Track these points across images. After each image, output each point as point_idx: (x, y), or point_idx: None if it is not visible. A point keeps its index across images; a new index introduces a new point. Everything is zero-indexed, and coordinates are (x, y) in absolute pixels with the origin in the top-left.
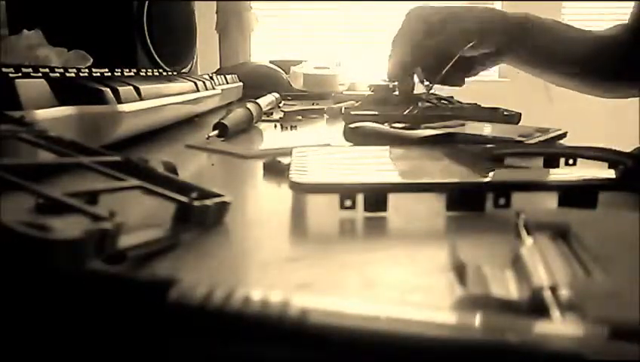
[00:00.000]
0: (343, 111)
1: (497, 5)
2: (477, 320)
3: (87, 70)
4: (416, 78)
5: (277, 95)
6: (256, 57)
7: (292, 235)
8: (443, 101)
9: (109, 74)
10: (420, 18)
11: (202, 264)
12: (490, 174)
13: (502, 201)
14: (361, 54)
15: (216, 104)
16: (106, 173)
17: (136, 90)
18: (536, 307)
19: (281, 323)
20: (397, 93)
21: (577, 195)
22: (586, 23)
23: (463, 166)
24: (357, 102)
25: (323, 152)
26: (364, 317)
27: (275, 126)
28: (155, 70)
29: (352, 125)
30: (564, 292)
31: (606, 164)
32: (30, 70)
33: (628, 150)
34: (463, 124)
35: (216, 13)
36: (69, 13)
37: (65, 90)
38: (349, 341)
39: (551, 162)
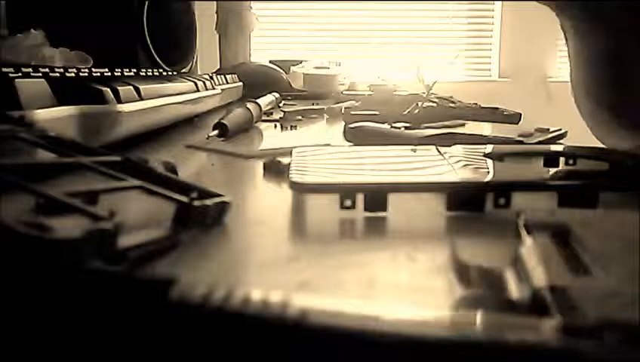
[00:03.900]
0: (343, 111)
1: (497, 5)
2: (477, 320)
3: (87, 70)
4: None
5: (277, 95)
6: (256, 57)
7: (292, 235)
8: (443, 101)
9: (109, 74)
10: None
11: (202, 264)
12: (490, 174)
13: (502, 201)
14: (361, 54)
15: (216, 104)
16: (106, 173)
17: (136, 90)
18: (536, 307)
19: (281, 323)
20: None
21: (577, 195)
22: None
23: (463, 166)
24: (357, 102)
25: (323, 152)
26: (364, 317)
27: (275, 126)
28: (155, 70)
29: (352, 125)
30: (564, 292)
31: (606, 164)
32: (30, 70)
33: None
34: (463, 124)
35: (216, 13)
36: (69, 13)
37: (65, 90)
38: (348, 341)
39: (551, 162)
